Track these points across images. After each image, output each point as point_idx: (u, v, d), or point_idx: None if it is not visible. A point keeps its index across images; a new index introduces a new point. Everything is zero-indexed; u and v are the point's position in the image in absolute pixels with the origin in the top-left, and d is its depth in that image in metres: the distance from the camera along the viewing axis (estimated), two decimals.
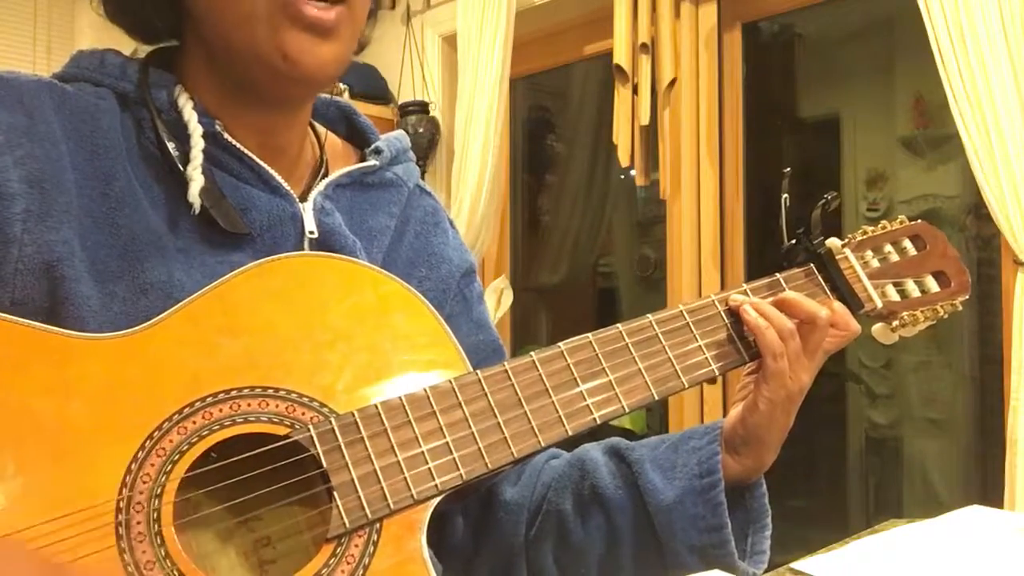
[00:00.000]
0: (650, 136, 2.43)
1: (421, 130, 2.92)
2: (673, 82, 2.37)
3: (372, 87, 3.01)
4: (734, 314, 0.80)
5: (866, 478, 3.27)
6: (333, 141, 0.87)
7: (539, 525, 0.84)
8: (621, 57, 2.38)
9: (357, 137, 0.89)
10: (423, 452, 0.66)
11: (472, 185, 2.72)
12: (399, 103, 3.02)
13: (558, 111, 3.73)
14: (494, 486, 0.87)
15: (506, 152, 2.97)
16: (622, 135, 2.40)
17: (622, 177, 3.51)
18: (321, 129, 0.86)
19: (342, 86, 2.68)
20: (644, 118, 2.36)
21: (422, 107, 2.97)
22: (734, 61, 2.49)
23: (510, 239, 3.17)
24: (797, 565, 0.69)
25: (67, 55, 0.78)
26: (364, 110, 0.93)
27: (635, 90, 2.39)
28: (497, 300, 2.88)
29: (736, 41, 2.49)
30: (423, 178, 0.93)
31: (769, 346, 0.77)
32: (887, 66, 3.18)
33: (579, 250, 3.65)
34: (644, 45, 2.37)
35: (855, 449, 3.26)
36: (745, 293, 0.82)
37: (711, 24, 2.46)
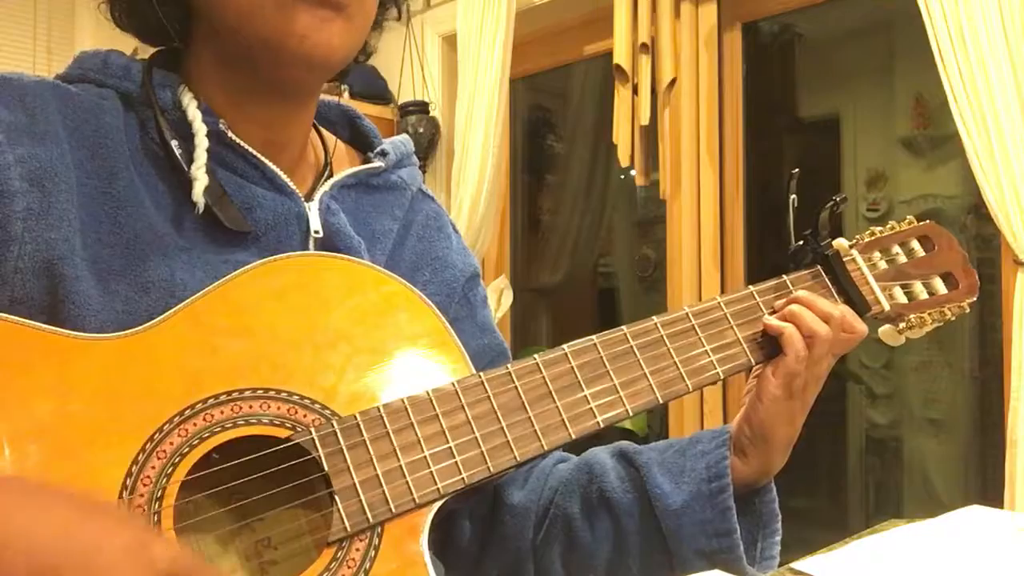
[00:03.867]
0: (650, 136, 2.43)
1: (421, 130, 2.92)
2: (673, 82, 2.37)
3: (372, 87, 3.01)
4: (739, 317, 0.80)
5: (866, 478, 3.27)
6: (337, 144, 0.86)
7: (546, 528, 0.84)
8: (621, 57, 2.38)
9: (360, 140, 0.89)
10: (425, 456, 0.66)
11: (472, 185, 2.71)
12: (399, 103, 3.02)
13: (558, 111, 3.73)
14: (501, 489, 0.86)
15: (506, 152, 2.96)
16: (622, 135, 2.39)
17: (622, 177, 3.51)
18: (327, 133, 0.86)
19: (342, 86, 2.68)
20: (644, 118, 2.36)
21: (422, 107, 2.97)
22: (734, 61, 2.48)
23: (510, 239, 3.17)
24: (797, 565, 0.69)
25: (67, 55, 0.78)
26: (364, 110, 0.93)
27: (635, 90, 2.39)
28: (497, 300, 2.88)
29: (736, 41, 2.49)
30: (423, 179, 0.93)
31: (794, 349, 0.78)
32: (887, 66, 3.18)
33: (579, 250, 3.65)
34: (644, 45, 2.37)
35: (855, 449, 3.26)
36: (752, 295, 0.82)
37: (711, 24, 2.46)
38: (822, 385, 0.81)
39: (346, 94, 2.81)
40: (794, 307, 0.79)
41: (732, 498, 0.78)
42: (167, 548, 0.52)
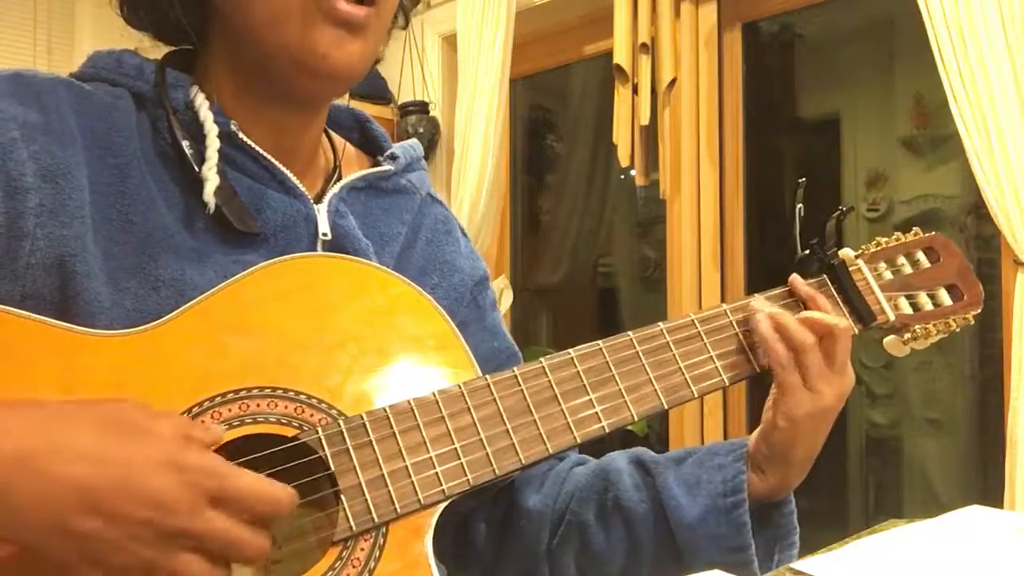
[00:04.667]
0: (650, 136, 2.43)
1: (421, 130, 2.92)
2: (673, 82, 2.37)
3: (372, 87, 3.01)
4: (745, 323, 0.80)
5: (866, 478, 3.26)
6: (346, 147, 0.87)
7: (562, 533, 0.84)
8: (621, 57, 2.38)
9: (370, 144, 0.89)
10: (431, 457, 0.66)
11: (472, 185, 2.71)
12: (399, 103, 3.02)
13: (558, 111, 3.72)
14: (517, 493, 0.86)
15: (506, 152, 2.96)
16: (622, 135, 2.40)
17: (622, 177, 3.50)
18: (336, 136, 0.86)
19: None
20: (644, 118, 2.36)
21: (422, 107, 2.97)
22: (734, 61, 2.48)
23: (510, 239, 3.17)
24: (797, 565, 0.69)
25: (67, 55, 0.78)
26: (364, 110, 0.93)
27: (635, 90, 2.39)
28: (497, 300, 2.88)
29: (736, 41, 2.49)
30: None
31: (777, 357, 0.77)
32: (887, 66, 3.17)
33: (579, 250, 3.65)
34: (644, 45, 2.37)
35: (855, 449, 3.25)
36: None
37: (711, 24, 2.46)
38: (842, 395, 0.79)
39: (346, 94, 2.80)
40: (782, 319, 0.77)
41: (748, 513, 0.77)
42: (200, 460, 0.55)
